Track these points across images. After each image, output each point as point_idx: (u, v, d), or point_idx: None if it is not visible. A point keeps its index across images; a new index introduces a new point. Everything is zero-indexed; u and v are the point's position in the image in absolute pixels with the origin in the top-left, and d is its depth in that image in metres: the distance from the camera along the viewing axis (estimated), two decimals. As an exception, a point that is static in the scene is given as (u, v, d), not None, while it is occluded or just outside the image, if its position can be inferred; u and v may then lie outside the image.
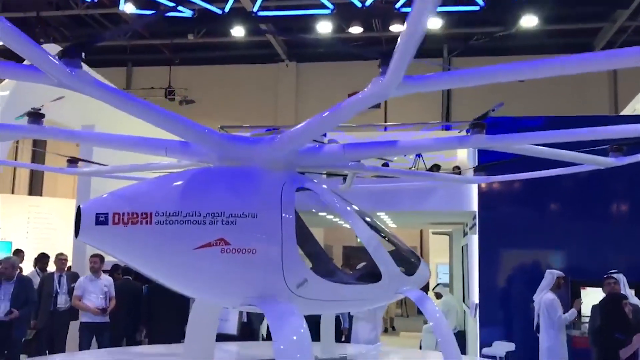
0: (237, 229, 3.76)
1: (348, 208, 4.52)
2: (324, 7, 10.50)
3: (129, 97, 3.26)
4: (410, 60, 2.71)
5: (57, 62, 2.88)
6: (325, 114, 3.58)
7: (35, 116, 3.51)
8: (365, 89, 3.20)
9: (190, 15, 10.92)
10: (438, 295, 12.10)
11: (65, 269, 9.91)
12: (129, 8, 16.52)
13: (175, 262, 3.84)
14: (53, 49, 10.63)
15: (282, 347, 3.45)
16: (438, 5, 2.38)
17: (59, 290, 9.40)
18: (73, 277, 9.79)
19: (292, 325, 3.58)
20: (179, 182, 4.02)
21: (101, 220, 3.75)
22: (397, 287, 4.58)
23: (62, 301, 9.38)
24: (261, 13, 10.58)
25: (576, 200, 10.19)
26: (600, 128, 3.85)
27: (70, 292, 9.43)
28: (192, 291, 4.31)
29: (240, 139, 4.26)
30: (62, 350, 9.14)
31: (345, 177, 6.25)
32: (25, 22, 18.61)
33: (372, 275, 4.49)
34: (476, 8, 14.06)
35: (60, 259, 9.76)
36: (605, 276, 7.57)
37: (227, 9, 11.37)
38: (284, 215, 3.93)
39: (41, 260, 10.61)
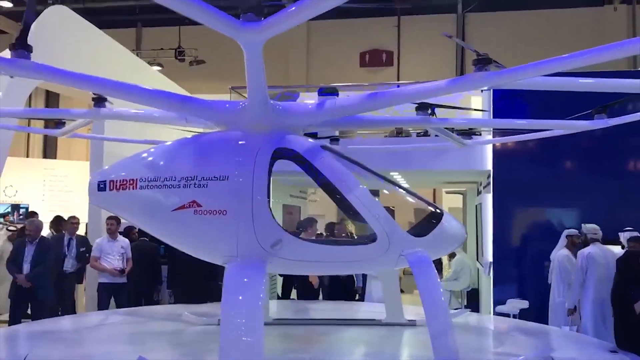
0: (208, 192, 4.04)
1: (338, 167, 4.26)
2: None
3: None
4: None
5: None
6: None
7: (23, 47, 3.23)
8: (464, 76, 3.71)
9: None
10: (452, 254, 12.12)
11: (76, 232, 9.98)
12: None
13: (158, 222, 4.37)
14: (62, 11, 10.51)
15: (228, 308, 3.59)
16: None
17: (67, 253, 9.55)
18: (82, 241, 9.90)
19: (244, 288, 3.72)
20: (162, 151, 4.48)
21: (101, 187, 4.45)
22: (400, 249, 4.22)
23: (69, 264, 9.54)
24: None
25: (591, 157, 10.07)
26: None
27: (78, 255, 9.54)
28: (180, 247, 4.59)
29: (222, 104, 4.30)
30: (69, 312, 9.34)
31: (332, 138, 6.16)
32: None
33: (364, 236, 4.34)
34: None
35: (72, 222, 9.85)
36: (621, 233, 7.52)
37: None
38: (256, 176, 4.02)
39: (56, 222, 10.71)
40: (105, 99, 4.88)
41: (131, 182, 4.29)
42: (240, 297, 3.62)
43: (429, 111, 4.64)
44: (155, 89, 3.96)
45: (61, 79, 3.58)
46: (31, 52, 3.23)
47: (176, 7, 2.61)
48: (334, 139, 6.18)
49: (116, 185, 4.36)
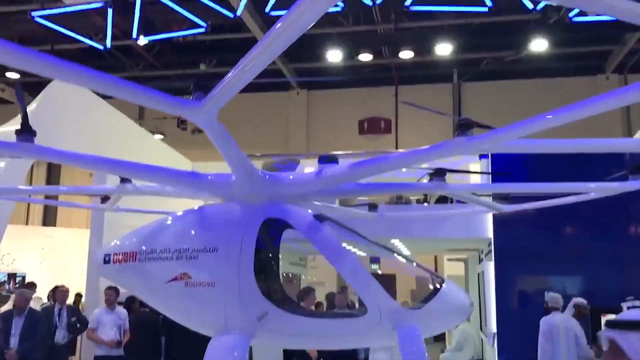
0: (198, 264, 4.12)
1: (328, 237, 4.21)
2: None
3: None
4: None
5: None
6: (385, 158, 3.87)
7: (28, 132, 3.46)
8: (443, 142, 3.53)
9: (203, 28, 11.00)
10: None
11: (66, 301, 9.75)
12: (141, 41, 16.75)
13: (154, 293, 4.47)
14: (67, 83, 10.76)
15: None
16: None
17: (58, 324, 9.23)
18: (73, 310, 9.68)
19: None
20: (161, 224, 4.62)
21: (106, 260, 4.62)
22: (393, 323, 4.01)
23: (60, 336, 9.21)
24: (274, 13, 10.62)
25: (593, 223, 10.07)
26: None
27: (69, 326, 9.28)
28: (174, 319, 4.64)
29: (219, 177, 4.35)
30: None
31: (370, 205, 6.08)
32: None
33: (354, 308, 4.25)
34: (484, 9, 13.75)
35: (62, 290, 9.62)
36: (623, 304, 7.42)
37: (239, 12, 11.44)
38: (243, 248, 4.05)
39: (56, 292, 10.55)
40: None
41: (131, 254, 4.46)
42: None
43: (445, 177, 4.52)
44: (151, 165, 4.05)
45: (62, 159, 3.76)
46: (35, 135, 3.44)
47: (127, 97, 2.75)
48: (372, 206, 6.12)
49: (119, 258, 4.54)
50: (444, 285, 4.38)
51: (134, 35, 10.97)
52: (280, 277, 4.49)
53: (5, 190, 5.75)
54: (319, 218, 4.41)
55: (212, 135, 3.30)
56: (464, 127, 3.34)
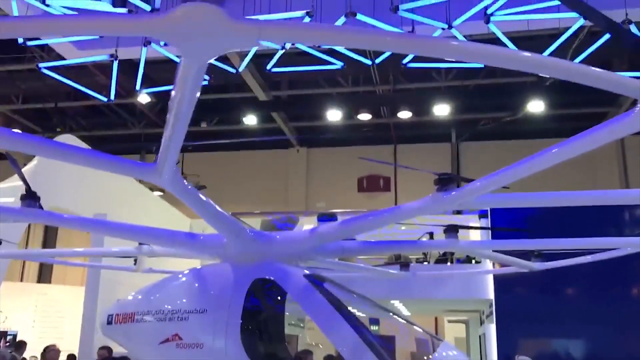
0: (188, 325, 4.14)
1: (315, 298, 4.09)
2: (333, 63, 10.56)
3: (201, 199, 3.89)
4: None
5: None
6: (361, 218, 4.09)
7: (31, 198, 3.62)
8: (424, 199, 3.72)
9: (206, 81, 11.23)
10: None
11: None
12: (143, 99, 17.01)
13: (150, 354, 4.45)
14: (68, 139, 10.89)
15: None
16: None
17: None
18: None
19: None
20: (159, 285, 4.71)
21: (109, 320, 4.76)
22: None
23: None
24: (275, 70, 10.82)
25: (595, 284, 9.96)
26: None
27: None
28: None
29: (211, 238, 4.41)
30: None
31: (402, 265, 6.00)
32: (44, 112, 19.17)
33: None
34: (480, 65, 13.78)
35: (53, 350, 9.31)
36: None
37: (241, 68, 11.65)
38: (230, 310, 4.03)
39: (47, 352, 10.27)
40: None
41: (130, 315, 4.54)
42: None
43: (457, 233, 4.49)
44: (147, 226, 4.12)
45: (64, 223, 3.89)
46: (38, 200, 3.59)
47: (90, 165, 2.90)
48: (404, 265, 6.08)
49: (119, 319, 4.64)
50: (440, 346, 4.20)
51: (137, 87, 11.17)
52: (271, 340, 4.36)
53: (24, 255, 5.92)
54: (312, 278, 4.30)
55: (178, 195, 3.38)
56: (443, 182, 3.36)
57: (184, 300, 4.30)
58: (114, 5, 9.98)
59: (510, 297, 9.98)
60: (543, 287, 9.97)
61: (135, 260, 6.01)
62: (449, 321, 17.17)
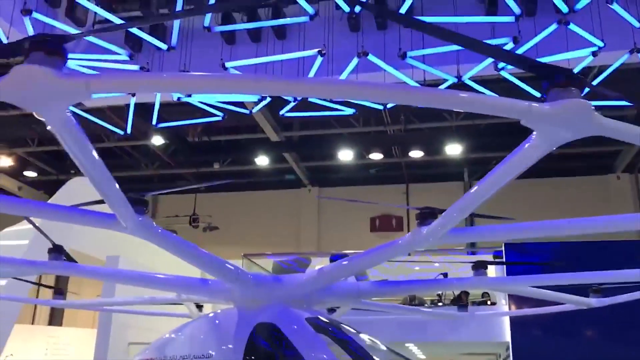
0: None
1: (315, 342, 4.06)
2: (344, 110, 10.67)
3: (186, 245, 3.89)
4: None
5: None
6: (352, 260, 3.95)
7: (57, 252, 3.70)
8: (405, 236, 3.48)
9: (220, 118, 11.40)
10: None
11: None
12: (157, 140, 17.22)
13: None
14: (82, 181, 10.98)
15: None
16: None
17: None
18: None
19: None
20: (175, 331, 4.70)
21: None
22: None
23: None
24: (288, 114, 10.96)
25: (613, 326, 9.71)
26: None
27: None
28: None
29: (217, 284, 4.50)
30: None
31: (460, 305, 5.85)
32: (59, 155, 19.42)
33: None
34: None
35: None
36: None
37: (254, 110, 11.78)
38: (233, 356, 4.07)
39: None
40: None
41: None
42: None
43: (486, 270, 4.37)
44: (164, 275, 4.22)
45: (88, 274, 3.94)
46: (64, 253, 3.64)
47: (51, 217, 3.05)
48: (462, 306, 5.93)
49: None
50: None
51: (153, 121, 11.34)
52: None
53: (80, 305, 6.07)
54: (315, 321, 4.27)
55: (153, 242, 3.47)
56: (424, 215, 3.42)
57: (194, 346, 4.38)
58: (132, 50, 10.22)
59: (527, 339, 9.75)
60: (561, 329, 9.75)
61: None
62: (465, 365, 16.81)
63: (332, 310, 5.80)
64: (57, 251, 4.13)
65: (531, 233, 3.81)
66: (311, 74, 9.18)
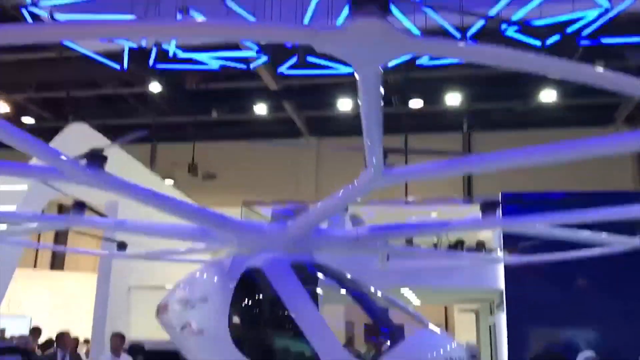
0: (195, 313, 4.43)
1: (293, 285, 4.13)
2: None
3: (143, 190, 3.89)
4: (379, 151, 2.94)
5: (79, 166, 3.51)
6: (318, 206, 3.96)
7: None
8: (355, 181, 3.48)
9: (217, 69, 11.30)
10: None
11: (69, 348, 9.50)
12: (155, 87, 17.08)
13: (176, 340, 4.78)
14: (82, 128, 10.97)
15: None
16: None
17: None
18: (76, 358, 9.49)
19: None
20: (186, 276, 4.86)
21: (158, 311, 4.95)
22: None
23: None
24: (287, 72, 10.84)
25: (606, 275, 9.90)
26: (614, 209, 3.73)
27: None
28: None
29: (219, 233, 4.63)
30: None
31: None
32: (57, 101, 19.28)
33: (306, 359, 4.01)
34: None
35: (65, 337, 9.38)
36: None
37: (252, 66, 11.66)
38: (222, 299, 4.25)
39: (61, 338, 10.39)
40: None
41: (165, 306, 4.87)
42: None
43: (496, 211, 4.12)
44: (170, 224, 4.36)
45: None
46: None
47: None
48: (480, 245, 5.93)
49: (161, 309, 4.92)
50: (415, 333, 4.06)
51: (150, 63, 11.22)
52: (254, 327, 4.49)
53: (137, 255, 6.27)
54: (299, 266, 4.32)
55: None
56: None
57: (195, 291, 4.57)
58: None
59: (520, 287, 9.95)
60: (554, 276, 9.93)
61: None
62: (459, 310, 17.19)
63: None
64: (79, 206, 4.51)
65: (484, 165, 3.52)
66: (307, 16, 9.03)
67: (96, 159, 3.54)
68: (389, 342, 4.03)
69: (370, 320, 4.44)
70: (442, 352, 3.74)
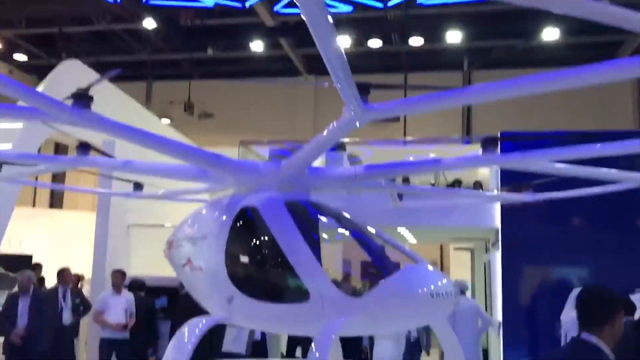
0: (195, 250, 4.56)
1: (285, 222, 4.13)
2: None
3: (132, 130, 3.81)
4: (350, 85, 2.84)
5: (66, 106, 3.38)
6: (305, 146, 3.94)
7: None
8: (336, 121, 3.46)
9: (211, 6, 10.94)
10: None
11: (70, 283, 9.66)
12: (149, 23, 16.69)
13: (180, 276, 4.94)
14: (75, 65, 10.76)
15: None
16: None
17: (64, 306, 9.17)
18: (77, 293, 9.66)
19: (181, 332, 4.24)
20: (191, 213, 4.97)
21: (166, 247, 5.11)
22: (336, 312, 3.78)
23: (67, 317, 9.16)
24: (282, 10, 10.55)
25: (601, 213, 9.95)
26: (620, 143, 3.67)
27: (74, 307, 9.28)
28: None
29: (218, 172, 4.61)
30: None
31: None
32: (49, 38, 18.87)
33: (298, 295, 3.99)
34: None
35: (66, 273, 9.55)
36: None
37: (248, 4, 11.33)
38: (220, 236, 4.34)
39: (62, 275, 10.56)
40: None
41: (170, 242, 4.96)
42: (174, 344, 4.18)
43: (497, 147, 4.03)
44: (172, 164, 4.37)
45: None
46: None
47: None
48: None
49: (168, 246, 5.02)
50: (404, 268, 4.04)
51: None
52: (248, 263, 4.59)
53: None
54: (293, 205, 4.32)
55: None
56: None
57: (196, 229, 4.68)
58: None
59: (516, 225, 10.04)
60: (549, 216, 10.00)
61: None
62: (455, 249, 17.42)
63: None
64: (84, 147, 4.58)
65: (472, 97, 3.27)
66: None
67: (82, 98, 3.37)
68: (377, 278, 4.05)
69: (365, 258, 4.49)
70: (430, 287, 3.72)
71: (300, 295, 3.92)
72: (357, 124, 3.28)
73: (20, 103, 3.46)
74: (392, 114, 3.20)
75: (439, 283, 3.79)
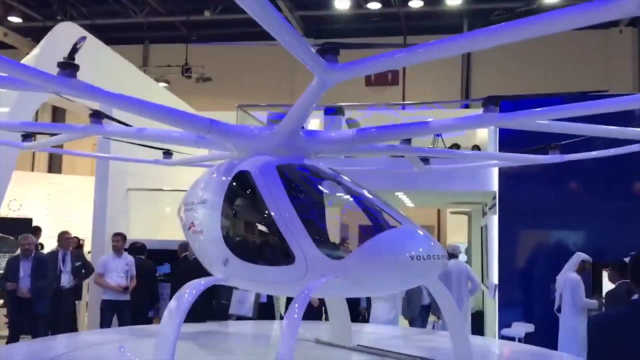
0: (196, 214, 4.67)
1: (274, 186, 4.16)
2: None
3: (121, 97, 3.77)
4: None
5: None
6: (290, 110, 3.99)
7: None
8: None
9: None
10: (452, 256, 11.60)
11: (70, 247, 9.68)
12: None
13: (188, 240, 5.09)
14: (70, 27, 10.63)
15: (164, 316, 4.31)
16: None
17: (62, 269, 9.24)
18: (77, 255, 9.75)
19: (181, 292, 4.31)
20: (197, 179, 5.05)
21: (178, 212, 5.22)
22: (320, 274, 3.83)
23: (65, 280, 9.24)
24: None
25: (598, 179, 10.00)
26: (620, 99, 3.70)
27: (73, 270, 9.39)
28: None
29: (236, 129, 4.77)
30: (67, 329, 8.95)
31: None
32: (45, 0, 18.60)
33: (283, 257, 4.04)
34: None
35: (65, 237, 9.64)
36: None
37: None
38: (216, 200, 4.46)
39: (62, 238, 10.63)
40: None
41: (180, 208, 5.07)
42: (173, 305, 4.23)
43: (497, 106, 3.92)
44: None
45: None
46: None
47: None
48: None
49: (179, 210, 5.12)
50: (387, 230, 4.01)
51: None
52: (241, 226, 4.72)
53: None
54: (285, 169, 4.34)
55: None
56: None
57: (198, 193, 4.76)
58: None
59: (514, 189, 10.09)
60: (547, 180, 10.03)
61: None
62: (452, 212, 17.53)
63: None
64: (97, 114, 4.70)
65: (443, 50, 2.95)
66: None
67: (67, 67, 3.40)
68: (360, 241, 4.03)
69: (352, 222, 4.61)
70: (410, 250, 3.72)
71: (287, 257, 3.97)
72: (329, 83, 3.29)
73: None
74: (359, 73, 3.22)
75: (422, 246, 3.77)
